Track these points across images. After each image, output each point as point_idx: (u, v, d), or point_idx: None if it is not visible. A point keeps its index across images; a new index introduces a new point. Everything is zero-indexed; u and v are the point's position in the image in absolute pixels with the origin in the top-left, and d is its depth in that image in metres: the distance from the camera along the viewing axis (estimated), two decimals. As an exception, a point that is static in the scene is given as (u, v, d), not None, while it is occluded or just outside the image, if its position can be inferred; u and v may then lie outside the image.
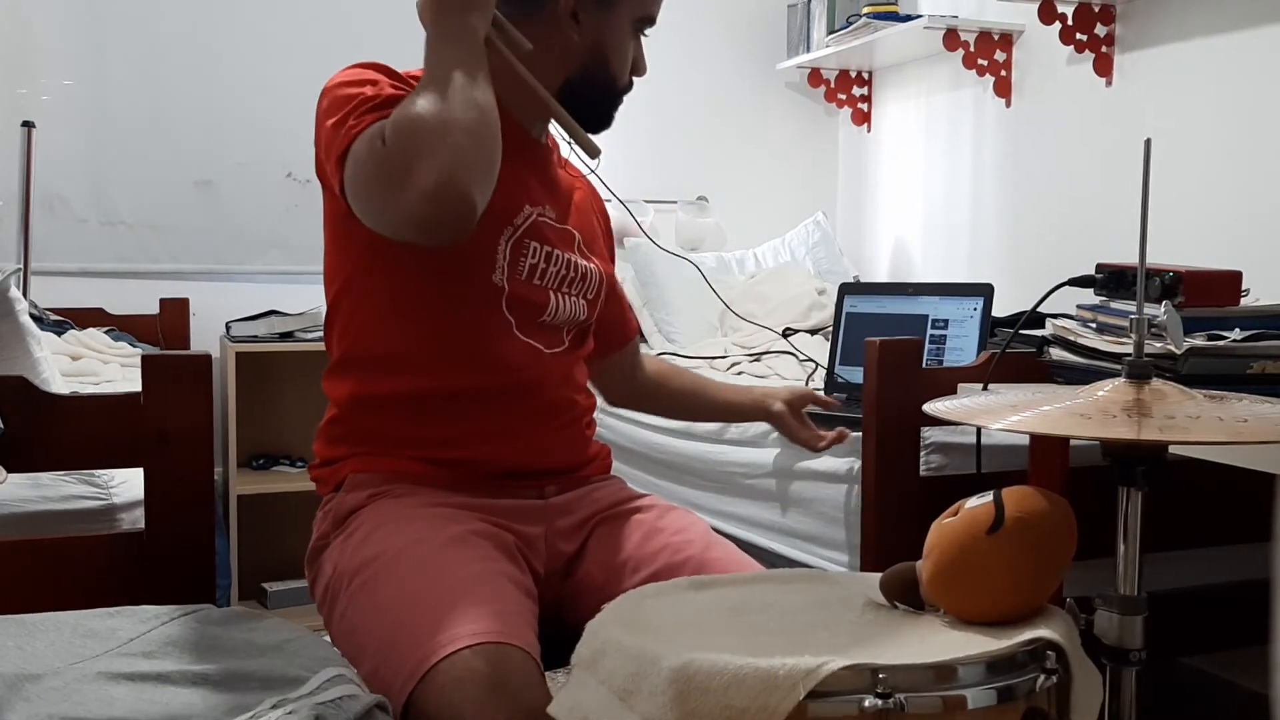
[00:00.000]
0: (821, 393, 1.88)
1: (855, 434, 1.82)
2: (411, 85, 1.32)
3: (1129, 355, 1.11)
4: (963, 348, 2.08)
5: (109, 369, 2.73)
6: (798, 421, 1.77)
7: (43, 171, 3.14)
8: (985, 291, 2.13)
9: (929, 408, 1.15)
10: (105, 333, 2.97)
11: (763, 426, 2.32)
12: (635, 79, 1.47)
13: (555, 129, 1.45)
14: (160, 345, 3.19)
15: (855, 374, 2.17)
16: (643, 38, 1.46)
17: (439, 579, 1.22)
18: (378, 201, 1.22)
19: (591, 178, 1.59)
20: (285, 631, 1.14)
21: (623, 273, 3.46)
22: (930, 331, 2.18)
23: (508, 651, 1.13)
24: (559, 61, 1.39)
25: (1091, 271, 1.77)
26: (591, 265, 1.50)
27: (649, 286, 3.51)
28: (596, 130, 1.46)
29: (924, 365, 2.08)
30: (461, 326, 1.38)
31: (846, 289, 2.44)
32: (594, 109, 1.44)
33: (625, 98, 1.47)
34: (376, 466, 1.40)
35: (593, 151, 1.38)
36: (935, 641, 0.99)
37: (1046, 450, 1.74)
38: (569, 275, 1.45)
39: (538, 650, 1.18)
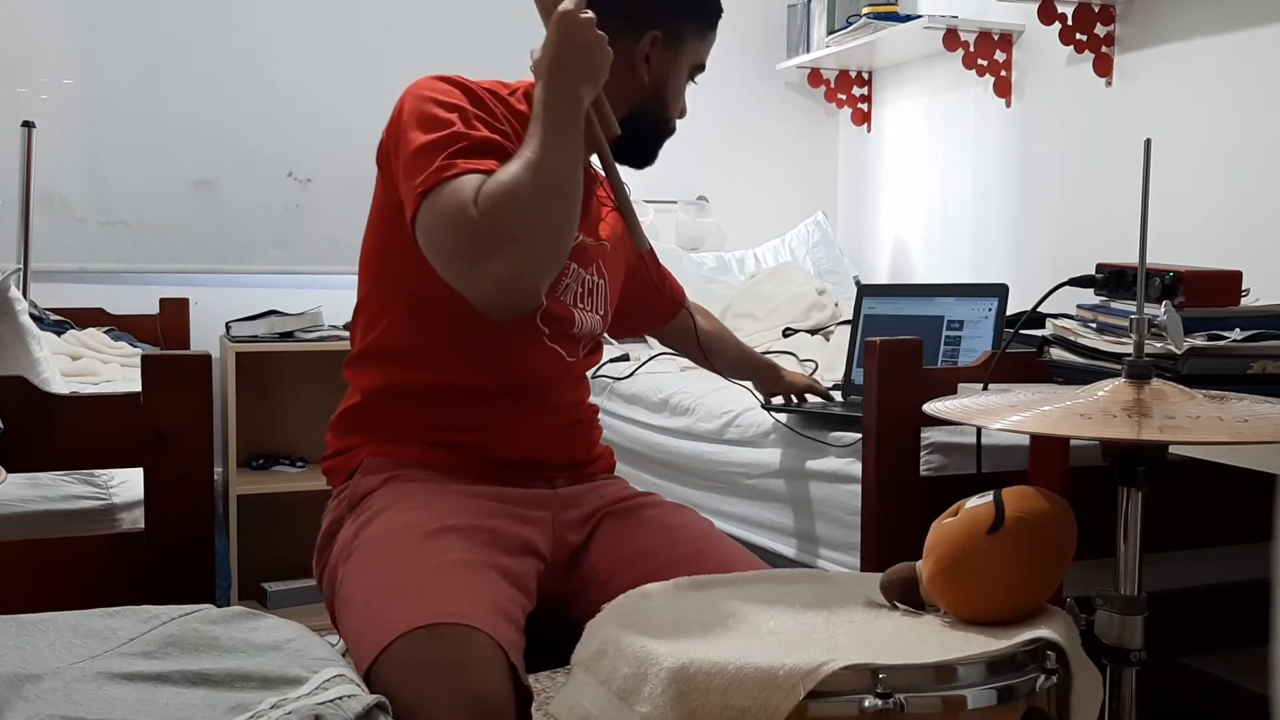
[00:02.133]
0: (838, 394, 1.99)
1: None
2: (490, 108, 1.37)
3: (1129, 355, 1.11)
4: (977, 349, 2.08)
5: (109, 369, 2.72)
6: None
7: (43, 171, 3.13)
8: (1000, 292, 2.13)
9: (929, 408, 1.15)
10: (105, 333, 2.97)
11: (764, 426, 2.32)
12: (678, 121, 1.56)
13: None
14: (160, 345, 3.18)
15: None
16: (692, 84, 1.56)
17: (420, 561, 1.24)
18: (451, 265, 1.27)
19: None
20: (285, 631, 1.14)
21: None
22: (945, 333, 2.19)
23: (467, 634, 1.13)
24: (625, 98, 1.46)
25: (1092, 271, 1.77)
26: (602, 281, 1.55)
27: (649, 286, 3.51)
28: (641, 166, 1.56)
29: (938, 366, 2.08)
30: (497, 333, 1.41)
31: (865, 290, 2.44)
32: (645, 146, 1.53)
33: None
34: (391, 452, 1.43)
35: (643, 244, 1.51)
36: (935, 641, 0.99)
37: (1046, 450, 1.74)
38: (582, 290, 1.51)
39: (511, 641, 1.17)
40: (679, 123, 1.57)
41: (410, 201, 1.28)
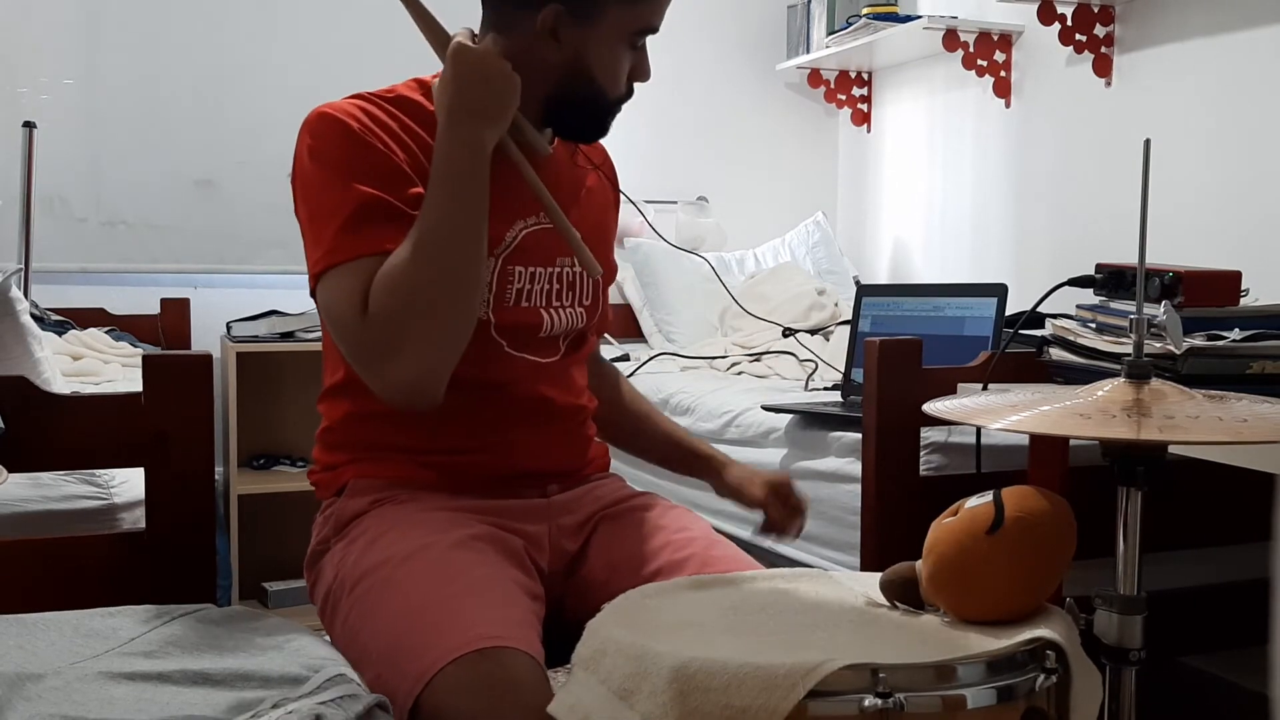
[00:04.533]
0: (839, 395, 1.89)
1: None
2: (381, 139, 1.32)
3: (1129, 355, 1.11)
4: (976, 349, 2.08)
5: (110, 369, 2.73)
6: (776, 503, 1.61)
7: (43, 171, 3.14)
8: (1000, 292, 2.13)
9: (929, 408, 1.15)
10: (106, 333, 2.97)
11: (764, 426, 2.32)
12: (637, 84, 1.42)
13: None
14: (161, 345, 3.19)
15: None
16: (645, 44, 1.41)
17: (444, 585, 1.21)
18: (352, 361, 1.28)
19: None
20: (285, 631, 1.14)
21: (623, 272, 3.47)
22: (945, 333, 2.19)
23: (514, 656, 1.12)
24: (538, 79, 1.34)
25: (1091, 271, 1.77)
26: (580, 270, 1.46)
27: (649, 286, 3.52)
28: (591, 140, 1.46)
29: (937, 366, 2.08)
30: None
31: (865, 290, 2.44)
32: (582, 122, 1.41)
33: (625, 104, 1.43)
34: (377, 472, 1.39)
35: (593, 270, 1.40)
36: (935, 641, 0.99)
37: (1046, 450, 1.74)
38: (557, 288, 1.43)
39: (542, 655, 1.17)
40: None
41: (310, 280, 1.31)
